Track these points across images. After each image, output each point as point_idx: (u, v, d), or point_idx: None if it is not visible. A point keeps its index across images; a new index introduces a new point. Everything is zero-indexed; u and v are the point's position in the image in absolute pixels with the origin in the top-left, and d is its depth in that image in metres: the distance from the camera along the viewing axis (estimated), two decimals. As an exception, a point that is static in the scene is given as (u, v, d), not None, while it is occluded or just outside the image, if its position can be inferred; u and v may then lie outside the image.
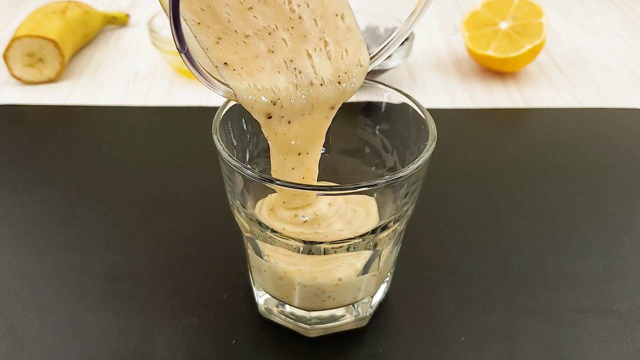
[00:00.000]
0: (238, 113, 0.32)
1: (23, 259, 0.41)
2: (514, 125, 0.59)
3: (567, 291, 0.39)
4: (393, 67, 0.62)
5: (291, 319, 0.35)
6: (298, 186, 0.27)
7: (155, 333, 0.35)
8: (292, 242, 0.29)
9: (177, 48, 0.22)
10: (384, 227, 0.30)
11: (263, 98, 0.26)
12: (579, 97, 0.62)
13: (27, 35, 0.60)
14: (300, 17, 0.26)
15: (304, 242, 0.29)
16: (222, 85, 0.26)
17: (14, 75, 0.62)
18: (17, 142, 0.54)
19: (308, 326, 0.35)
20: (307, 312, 0.34)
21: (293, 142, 0.28)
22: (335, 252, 0.30)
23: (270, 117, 0.27)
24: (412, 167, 0.28)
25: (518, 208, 0.46)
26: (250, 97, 0.26)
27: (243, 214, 0.31)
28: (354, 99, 0.30)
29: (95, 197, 0.47)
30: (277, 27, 0.26)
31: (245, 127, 0.33)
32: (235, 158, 0.28)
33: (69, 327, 0.36)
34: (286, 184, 0.27)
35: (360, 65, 0.28)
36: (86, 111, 0.59)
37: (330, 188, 0.28)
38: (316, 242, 0.29)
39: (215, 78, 0.25)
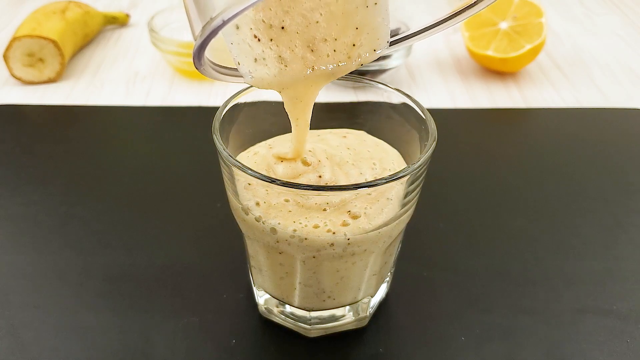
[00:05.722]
0: (238, 113, 0.32)
1: (23, 259, 0.41)
2: (514, 125, 0.59)
3: (567, 291, 0.39)
4: (393, 67, 0.62)
5: (291, 319, 0.35)
6: (299, 186, 0.27)
7: (155, 333, 0.35)
8: (292, 240, 0.29)
9: (195, 66, 0.22)
10: (384, 227, 0.30)
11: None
12: (579, 97, 0.62)
13: (27, 35, 0.60)
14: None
15: (305, 240, 0.29)
16: (236, 78, 0.27)
17: (14, 75, 0.62)
18: (17, 142, 0.54)
19: (308, 326, 0.35)
20: (307, 312, 0.34)
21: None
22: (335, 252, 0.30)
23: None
24: (412, 167, 0.28)
25: (518, 208, 0.46)
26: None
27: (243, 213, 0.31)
28: (354, 99, 0.30)
29: (95, 197, 0.47)
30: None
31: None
32: (235, 158, 0.28)
33: (69, 327, 0.36)
34: (286, 183, 0.27)
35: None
36: (86, 111, 0.59)
37: (330, 188, 0.28)
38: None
39: (225, 67, 0.26)
